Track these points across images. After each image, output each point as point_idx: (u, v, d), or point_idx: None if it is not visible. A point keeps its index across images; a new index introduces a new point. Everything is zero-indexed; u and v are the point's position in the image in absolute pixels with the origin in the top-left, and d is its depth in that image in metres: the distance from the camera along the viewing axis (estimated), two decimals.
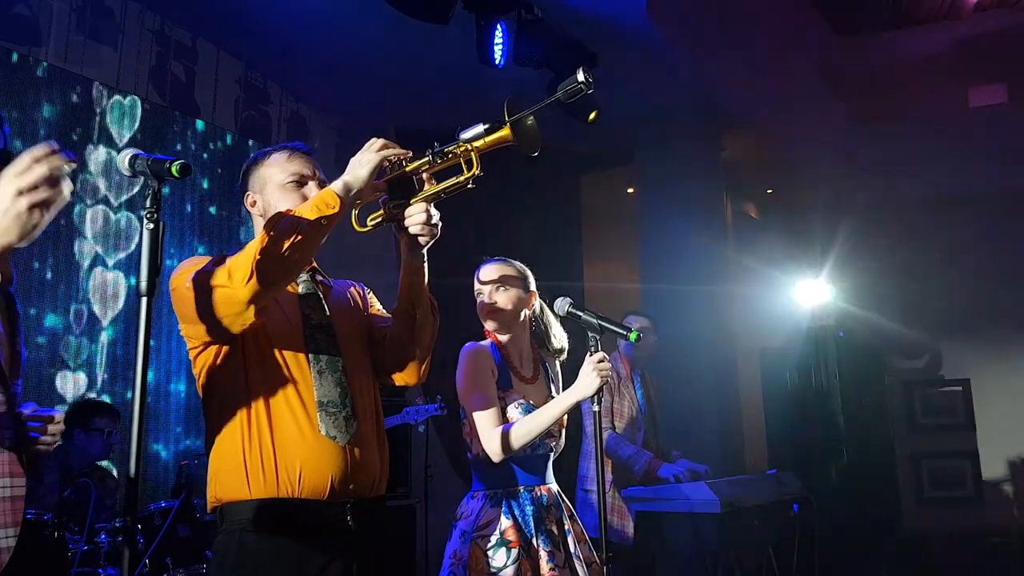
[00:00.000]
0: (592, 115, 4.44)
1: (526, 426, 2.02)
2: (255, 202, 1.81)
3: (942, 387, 5.19)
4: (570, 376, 2.10)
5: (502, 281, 2.19)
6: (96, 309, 3.75)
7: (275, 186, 1.78)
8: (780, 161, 5.43)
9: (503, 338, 2.20)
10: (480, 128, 1.60)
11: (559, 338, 2.31)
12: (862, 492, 4.14)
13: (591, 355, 1.97)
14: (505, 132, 1.59)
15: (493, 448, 2.01)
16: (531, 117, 1.62)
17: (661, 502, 2.93)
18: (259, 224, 1.82)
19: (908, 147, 5.13)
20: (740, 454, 4.37)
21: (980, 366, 4.95)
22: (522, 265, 2.27)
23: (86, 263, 3.73)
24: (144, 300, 1.34)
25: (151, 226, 1.35)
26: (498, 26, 3.64)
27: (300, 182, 1.78)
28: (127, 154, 1.43)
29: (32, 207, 1.23)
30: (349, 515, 1.64)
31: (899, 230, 4.89)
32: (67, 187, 1.28)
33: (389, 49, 3.83)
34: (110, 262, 3.83)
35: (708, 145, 5.17)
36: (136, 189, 3.93)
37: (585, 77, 1.56)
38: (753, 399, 4.56)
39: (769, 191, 5.70)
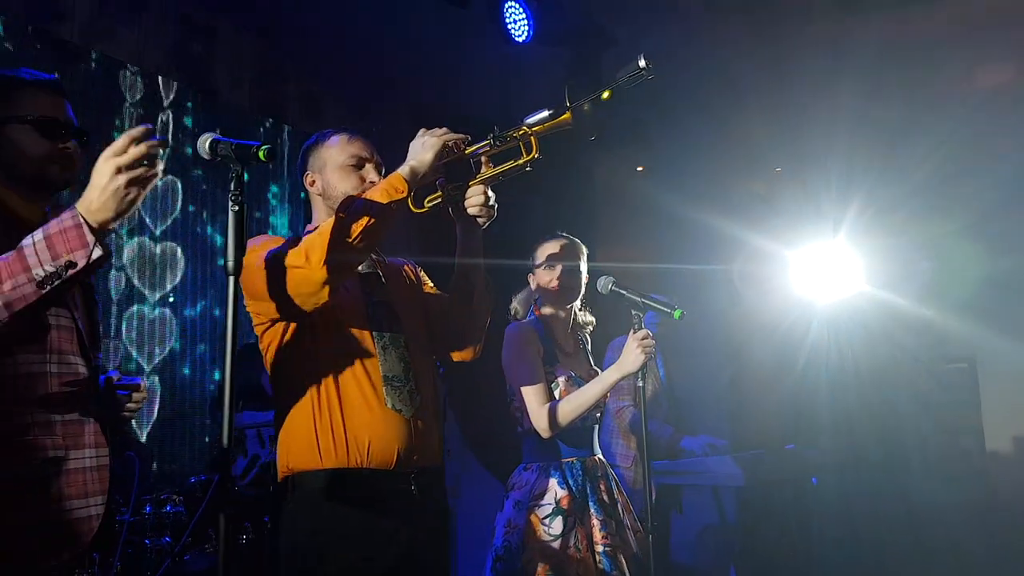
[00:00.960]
0: (606, 93, 4.52)
1: (572, 403, 2.14)
2: (314, 181, 1.90)
3: (949, 364, 5.34)
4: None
5: (579, 262, 2.29)
6: None
7: (335, 167, 1.87)
8: (790, 138, 5.52)
9: (551, 315, 2.31)
10: (545, 113, 1.69)
11: (588, 312, 2.45)
12: (871, 467, 4.30)
13: (634, 332, 2.07)
14: (566, 117, 1.68)
15: (542, 425, 2.13)
16: (588, 103, 1.71)
17: (684, 475, 3.06)
18: (318, 203, 1.92)
19: (922, 121, 5.22)
20: (752, 430, 4.51)
21: (987, 343, 5.09)
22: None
23: None
24: (231, 279, 1.44)
25: (236, 208, 1.45)
26: (516, 4, 3.70)
27: (359, 164, 1.88)
28: (207, 138, 1.52)
29: (130, 184, 1.34)
30: (413, 484, 1.75)
31: (914, 205, 4.99)
32: (160, 166, 1.38)
33: (406, 29, 3.88)
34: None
35: (719, 122, 5.26)
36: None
37: (646, 63, 1.64)
38: (765, 376, 4.69)
39: (778, 169, 5.80)
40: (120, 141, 1.34)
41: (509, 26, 3.62)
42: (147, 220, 3.90)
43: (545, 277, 2.31)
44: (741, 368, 4.61)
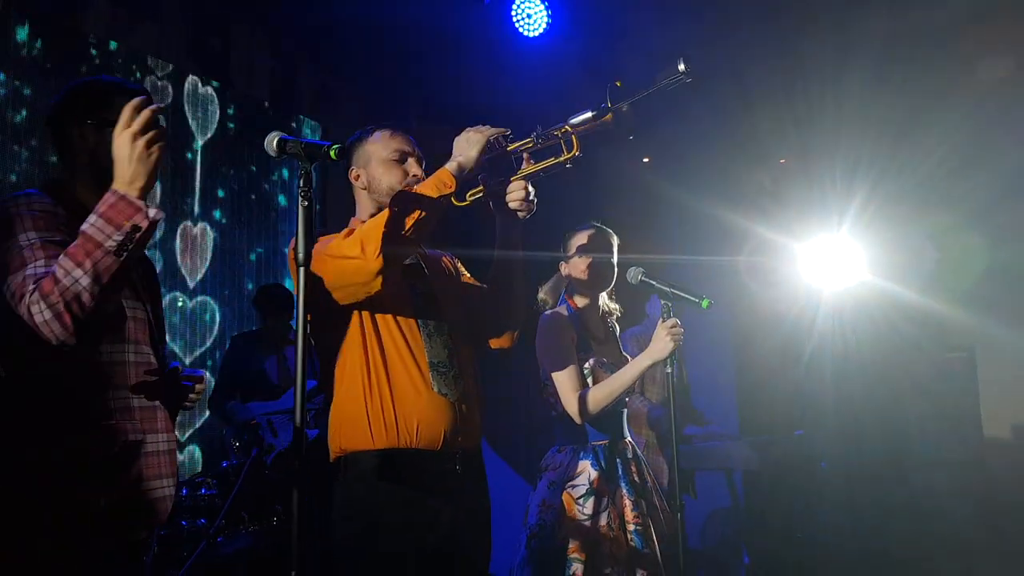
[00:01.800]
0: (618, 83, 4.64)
1: (604, 390, 2.28)
2: (359, 176, 2.02)
3: (947, 354, 5.51)
4: None
5: (612, 252, 2.42)
6: None
7: (378, 161, 1.99)
8: (796, 130, 5.65)
9: (583, 304, 2.43)
10: (588, 114, 1.81)
11: (614, 300, 2.59)
12: (874, 453, 4.47)
13: (664, 320, 2.20)
14: (608, 118, 1.80)
15: (574, 410, 2.26)
16: (627, 105, 1.83)
17: (697, 458, 3.19)
18: (363, 197, 2.03)
19: (927, 114, 5.34)
20: (760, 417, 4.67)
21: (987, 333, 5.25)
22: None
23: None
24: (302, 270, 1.56)
25: (305, 203, 1.57)
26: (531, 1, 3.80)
27: (401, 158, 2.00)
28: (274, 136, 1.64)
29: (148, 145, 1.50)
30: (458, 464, 1.88)
31: (918, 197, 5.13)
32: (163, 122, 1.54)
33: (420, 21, 3.98)
34: None
35: (725, 114, 5.38)
36: None
37: (685, 67, 1.75)
38: (772, 365, 4.84)
39: (782, 160, 5.94)
40: (125, 114, 1.50)
41: (523, 22, 3.73)
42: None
43: (579, 266, 2.43)
44: (748, 358, 4.76)
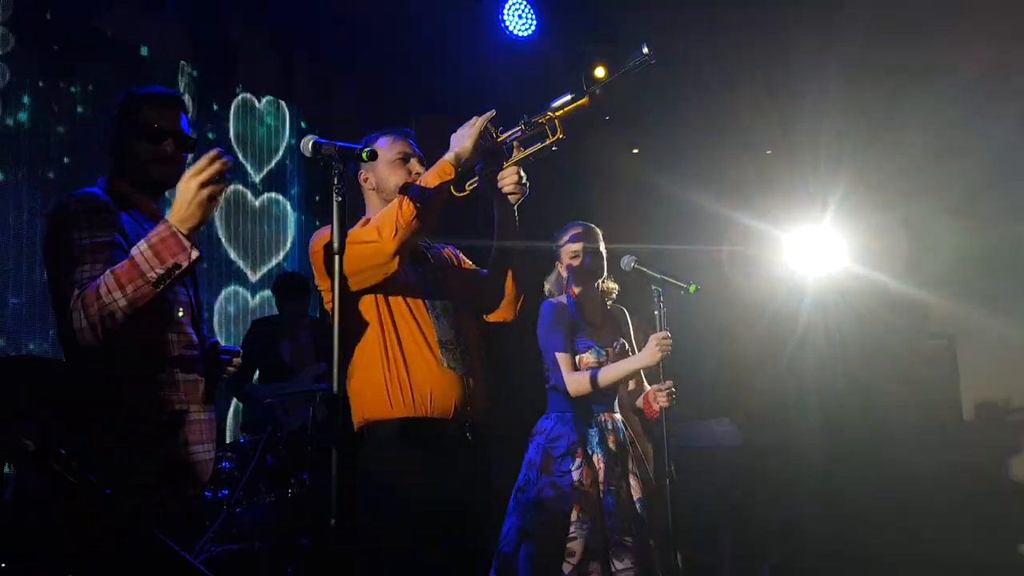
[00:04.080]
0: (601, 71, 4.95)
1: (598, 377, 2.64)
2: (367, 178, 2.34)
3: (928, 341, 5.89)
4: None
5: (599, 245, 2.80)
6: None
7: (385, 163, 2.30)
8: (780, 120, 5.98)
9: (581, 292, 2.80)
10: (567, 97, 2.12)
11: (612, 280, 2.97)
12: (855, 437, 4.83)
13: (657, 332, 2.57)
14: (584, 100, 2.11)
15: (570, 388, 2.63)
16: (599, 88, 2.14)
17: (681, 437, 3.53)
18: (371, 197, 2.35)
19: (909, 101, 5.67)
20: (741, 404, 5.01)
21: (964, 319, 5.62)
22: None
23: None
24: (337, 258, 1.85)
25: (339, 199, 1.86)
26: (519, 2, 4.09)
27: (405, 159, 2.31)
28: (309, 140, 1.93)
29: (211, 196, 1.78)
30: (468, 431, 2.20)
31: (901, 185, 5.47)
32: (228, 181, 1.83)
33: (416, 17, 4.26)
34: None
35: (711, 104, 5.70)
36: None
37: (648, 51, 2.07)
38: (756, 351, 5.18)
39: (769, 151, 6.28)
40: (200, 162, 1.77)
41: (514, 22, 4.02)
42: None
43: (570, 263, 2.80)
44: (732, 345, 5.10)
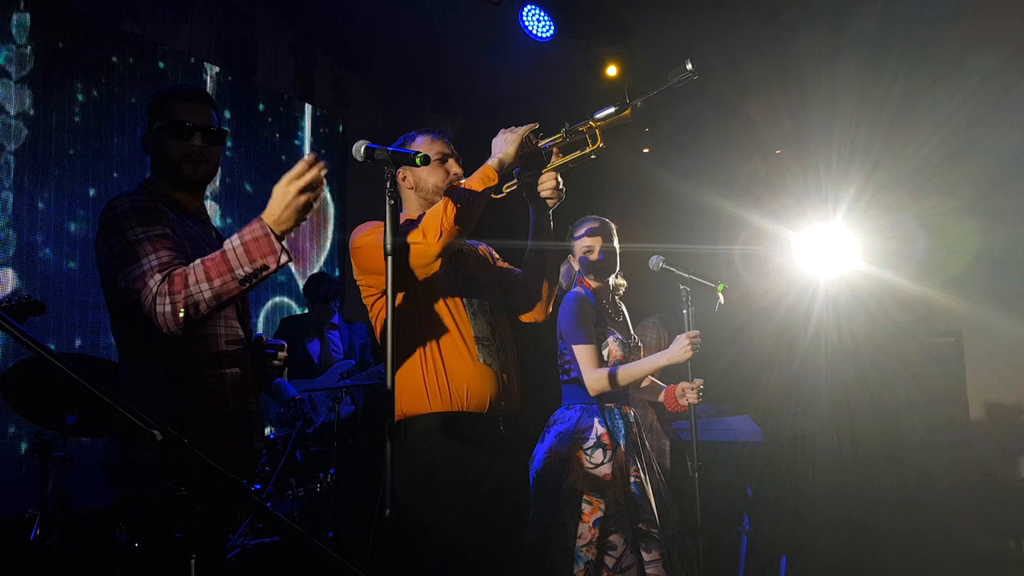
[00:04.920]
0: (613, 69, 5.04)
1: (624, 373, 2.70)
2: (406, 177, 2.41)
3: (936, 339, 5.98)
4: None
5: (613, 240, 2.86)
6: None
7: None
8: (791, 120, 6.06)
9: (596, 286, 2.86)
10: (611, 109, 2.20)
11: (620, 276, 3.04)
12: (865, 432, 4.92)
13: (688, 330, 2.64)
14: (627, 113, 2.20)
15: (594, 387, 2.68)
16: (642, 101, 2.22)
17: (701, 431, 3.61)
18: (409, 196, 2.42)
19: (921, 102, 5.75)
20: (757, 400, 5.09)
21: (971, 317, 5.71)
22: None
23: None
24: (390, 259, 1.93)
25: (391, 202, 1.94)
26: (535, 8, 4.17)
27: (443, 159, 2.39)
28: (361, 145, 2.00)
29: (307, 201, 1.83)
30: (502, 425, 2.28)
31: (913, 184, 5.55)
32: (324, 188, 1.87)
33: (434, 21, 4.35)
34: None
35: (722, 105, 5.78)
36: None
37: (692, 67, 2.15)
38: (768, 349, 5.27)
39: (778, 151, 6.36)
40: (299, 167, 1.82)
41: (533, 24, 4.10)
42: None
43: (586, 255, 2.86)
44: (746, 344, 5.18)
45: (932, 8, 5.91)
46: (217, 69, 4.43)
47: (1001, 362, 5.79)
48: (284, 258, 1.82)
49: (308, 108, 4.99)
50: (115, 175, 4.09)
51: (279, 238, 1.82)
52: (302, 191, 1.80)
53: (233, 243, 1.82)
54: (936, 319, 5.99)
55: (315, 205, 1.85)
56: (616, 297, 3.01)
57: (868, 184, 5.62)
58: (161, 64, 4.22)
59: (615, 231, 2.98)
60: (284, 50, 4.76)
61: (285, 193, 1.80)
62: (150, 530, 1.86)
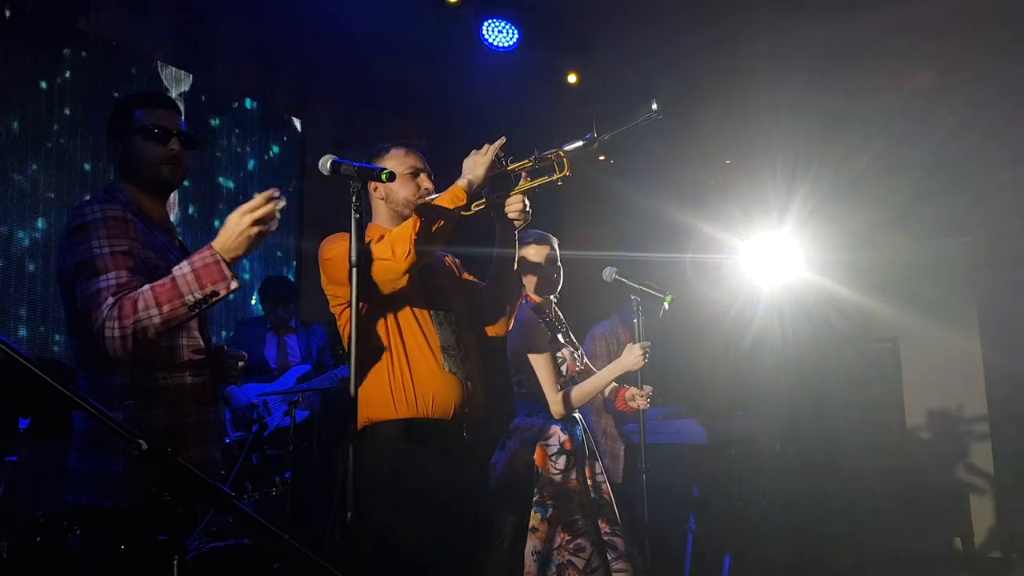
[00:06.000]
0: (573, 78, 5.18)
1: (581, 392, 2.83)
2: (377, 187, 2.46)
3: (874, 345, 6.26)
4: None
5: (557, 255, 2.94)
6: None
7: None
8: (738, 130, 6.27)
9: (542, 302, 2.94)
10: (580, 143, 2.30)
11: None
12: (806, 434, 5.14)
13: (639, 339, 2.75)
14: (594, 146, 2.30)
15: (556, 409, 2.78)
16: (609, 135, 2.33)
17: (650, 433, 3.74)
18: (379, 206, 2.48)
19: (858, 115, 6.03)
20: (706, 400, 5.27)
21: (907, 325, 6.00)
22: None
23: None
24: (354, 270, 1.99)
25: (357, 216, 1.99)
26: (496, 21, 4.26)
27: (415, 173, 2.45)
28: (327, 159, 2.05)
29: (260, 233, 1.88)
30: (465, 432, 2.36)
31: (851, 196, 5.83)
32: (277, 222, 1.92)
33: (395, 28, 4.40)
34: None
35: (673, 115, 5.95)
36: None
37: (657, 107, 2.27)
38: (716, 354, 5.46)
39: (728, 161, 6.57)
40: (256, 200, 1.86)
41: (493, 34, 4.19)
42: None
43: (528, 275, 2.92)
44: (695, 349, 5.35)
45: (872, 26, 6.19)
46: (174, 68, 4.42)
47: (935, 368, 6.10)
48: (234, 284, 1.86)
49: (265, 108, 5.02)
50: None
51: (229, 265, 1.86)
52: (255, 223, 1.84)
53: (183, 269, 1.85)
54: (874, 326, 6.28)
55: (266, 237, 1.90)
56: (556, 309, 3.08)
57: (811, 195, 5.86)
58: (117, 62, 4.17)
59: (556, 244, 3.02)
60: (242, 50, 4.75)
61: (239, 223, 1.85)
62: (123, 535, 1.88)
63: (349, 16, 4.44)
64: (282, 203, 1.88)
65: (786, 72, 6.40)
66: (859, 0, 6.19)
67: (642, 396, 2.87)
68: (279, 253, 5.16)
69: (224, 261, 1.85)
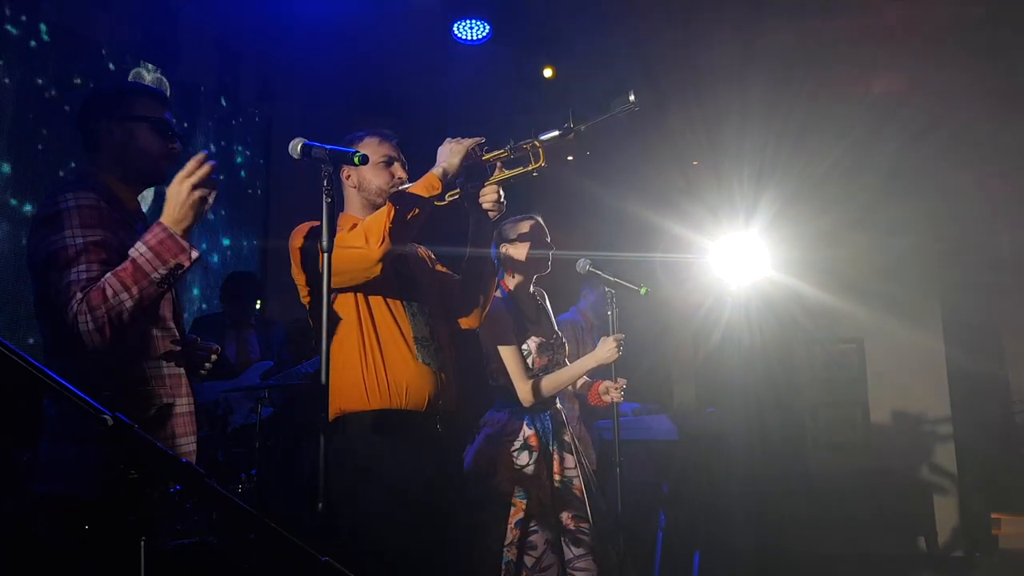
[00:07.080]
0: (548, 72, 5.23)
1: (553, 381, 2.81)
2: (350, 176, 2.46)
3: (840, 344, 6.38)
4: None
5: (546, 236, 2.92)
6: None
7: (369, 165, 2.42)
8: (706, 132, 6.37)
9: (516, 285, 2.93)
10: (556, 132, 2.32)
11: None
12: (772, 432, 5.22)
13: (613, 334, 2.75)
14: (571, 137, 2.32)
15: (525, 397, 2.76)
16: (586, 126, 2.35)
17: (621, 429, 3.77)
18: (351, 195, 2.47)
19: (824, 118, 6.16)
20: (672, 401, 5.35)
21: (872, 325, 6.12)
22: None
23: None
24: (326, 256, 1.99)
25: (328, 200, 1.99)
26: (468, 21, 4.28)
27: (389, 162, 2.45)
28: (297, 143, 2.05)
29: (202, 197, 1.88)
30: (439, 424, 2.36)
31: (816, 197, 5.94)
32: (215, 184, 1.93)
33: (364, 23, 4.40)
34: None
35: (641, 116, 6.01)
36: None
37: (635, 99, 2.30)
38: (685, 354, 5.54)
39: (695, 163, 6.66)
40: (190, 165, 1.86)
41: (463, 34, 4.21)
42: None
43: (521, 251, 2.90)
44: (665, 347, 5.42)
45: (835, 31, 6.33)
46: (141, 61, 4.36)
47: (899, 368, 6.23)
48: (194, 253, 1.88)
49: (231, 104, 4.97)
50: None
51: (183, 236, 1.86)
52: (195, 187, 1.85)
53: (140, 250, 1.84)
54: (840, 326, 6.39)
55: (210, 201, 1.90)
56: (537, 296, 3.05)
57: (778, 196, 5.97)
58: (79, 54, 4.10)
59: (547, 231, 3.00)
60: (208, 44, 4.71)
61: (179, 192, 1.85)
62: (94, 523, 1.86)
63: (317, 11, 4.43)
64: (214, 164, 1.88)
65: (753, 75, 6.52)
66: (823, 6, 6.36)
67: (616, 389, 2.88)
68: (244, 249, 5.11)
69: (177, 234, 1.85)
